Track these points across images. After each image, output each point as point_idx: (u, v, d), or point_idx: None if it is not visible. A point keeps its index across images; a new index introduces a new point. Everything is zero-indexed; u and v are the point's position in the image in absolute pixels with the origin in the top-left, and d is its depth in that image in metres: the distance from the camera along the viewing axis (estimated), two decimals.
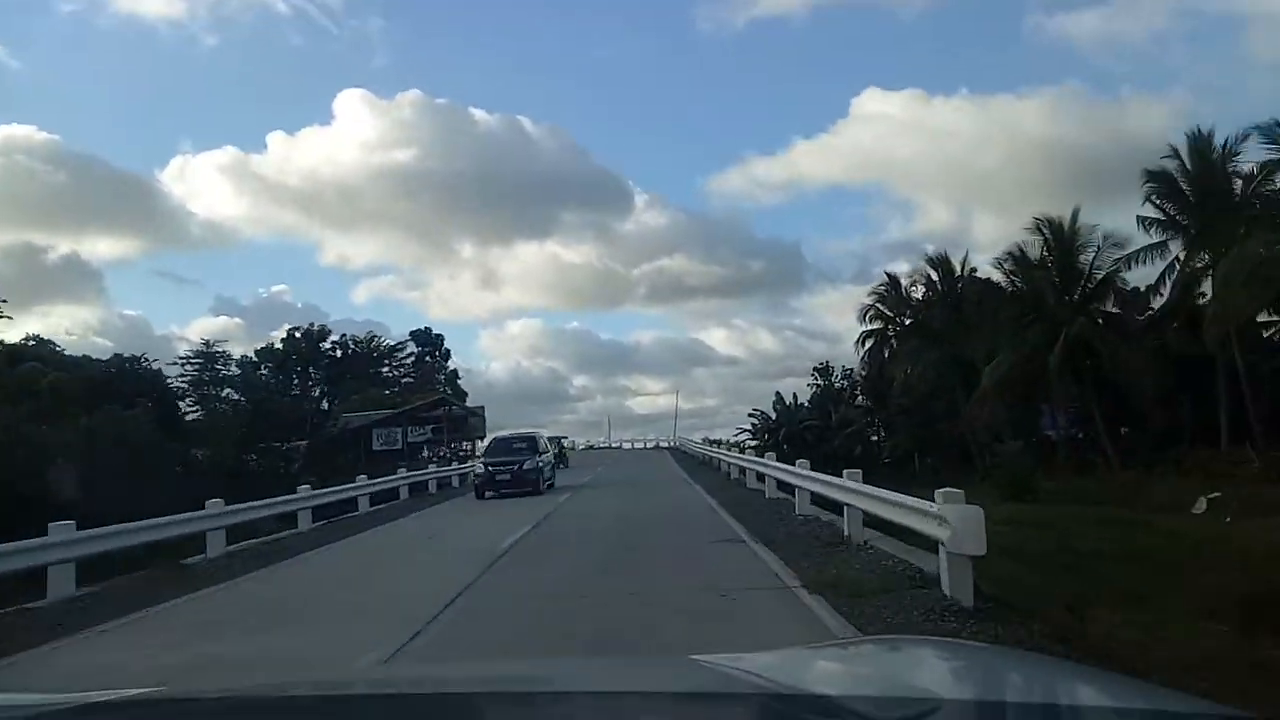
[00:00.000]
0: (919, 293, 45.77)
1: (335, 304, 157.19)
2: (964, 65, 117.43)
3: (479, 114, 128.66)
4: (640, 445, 72.48)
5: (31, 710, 1.72)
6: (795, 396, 59.41)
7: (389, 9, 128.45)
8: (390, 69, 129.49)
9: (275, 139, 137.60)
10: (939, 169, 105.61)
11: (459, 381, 53.70)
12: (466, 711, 1.71)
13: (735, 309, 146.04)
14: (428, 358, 50.66)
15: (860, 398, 54.39)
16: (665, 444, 67.09)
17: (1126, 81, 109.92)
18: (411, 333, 51.42)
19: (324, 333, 50.15)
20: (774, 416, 58.80)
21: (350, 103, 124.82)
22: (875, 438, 49.80)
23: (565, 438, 76.97)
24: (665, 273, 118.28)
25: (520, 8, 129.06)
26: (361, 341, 49.43)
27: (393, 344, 51.31)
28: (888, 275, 49.65)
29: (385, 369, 51.60)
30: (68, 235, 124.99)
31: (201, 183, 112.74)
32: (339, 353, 50.04)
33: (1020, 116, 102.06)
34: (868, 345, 50.06)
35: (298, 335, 50.06)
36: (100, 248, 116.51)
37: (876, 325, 49.36)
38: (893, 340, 48.25)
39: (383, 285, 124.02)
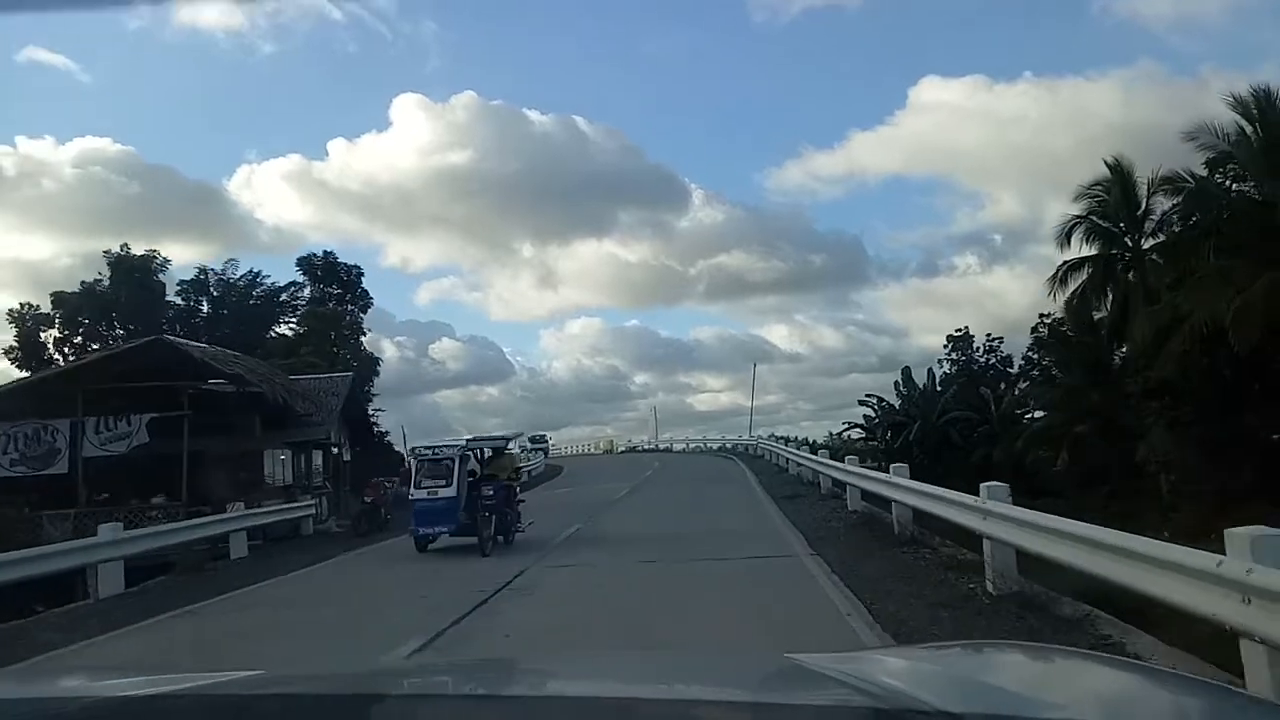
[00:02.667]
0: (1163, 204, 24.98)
1: (400, 306, 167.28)
2: (1025, 49, 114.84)
3: (533, 115, 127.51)
4: (696, 446, 52.04)
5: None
6: (932, 375, 38.48)
7: (440, 12, 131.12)
8: (444, 72, 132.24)
9: (336, 146, 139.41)
10: (1006, 157, 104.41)
11: (366, 338, 32.81)
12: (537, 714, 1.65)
13: (796, 304, 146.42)
14: (332, 301, 30.80)
15: (1051, 371, 33.48)
16: (731, 444, 46.52)
17: (1206, 59, 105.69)
18: (299, 261, 32.40)
19: (150, 265, 30.99)
20: (899, 406, 37.91)
21: (406, 107, 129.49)
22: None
23: (543, 435, 60.45)
24: (724, 269, 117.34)
25: (569, 6, 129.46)
26: (233, 283, 30.36)
27: (281, 285, 31.82)
28: (1109, 164, 28.61)
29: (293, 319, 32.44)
30: (142, 243, 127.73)
31: (267, 190, 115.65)
32: (203, 303, 30.84)
33: (1091, 99, 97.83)
34: (1073, 287, 29.13)
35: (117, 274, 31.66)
36: (173, 254, 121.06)
37: (1092, 249, 28.54)
38: (1126, 274, 27.19)
39: (445, 287, 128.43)
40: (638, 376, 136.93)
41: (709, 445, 49.98)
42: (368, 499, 19.50)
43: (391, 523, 18.37)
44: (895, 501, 12.84)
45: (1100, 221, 29.43)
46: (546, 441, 61.28)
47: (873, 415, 40.04)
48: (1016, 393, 37.82)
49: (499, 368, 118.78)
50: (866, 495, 15.14)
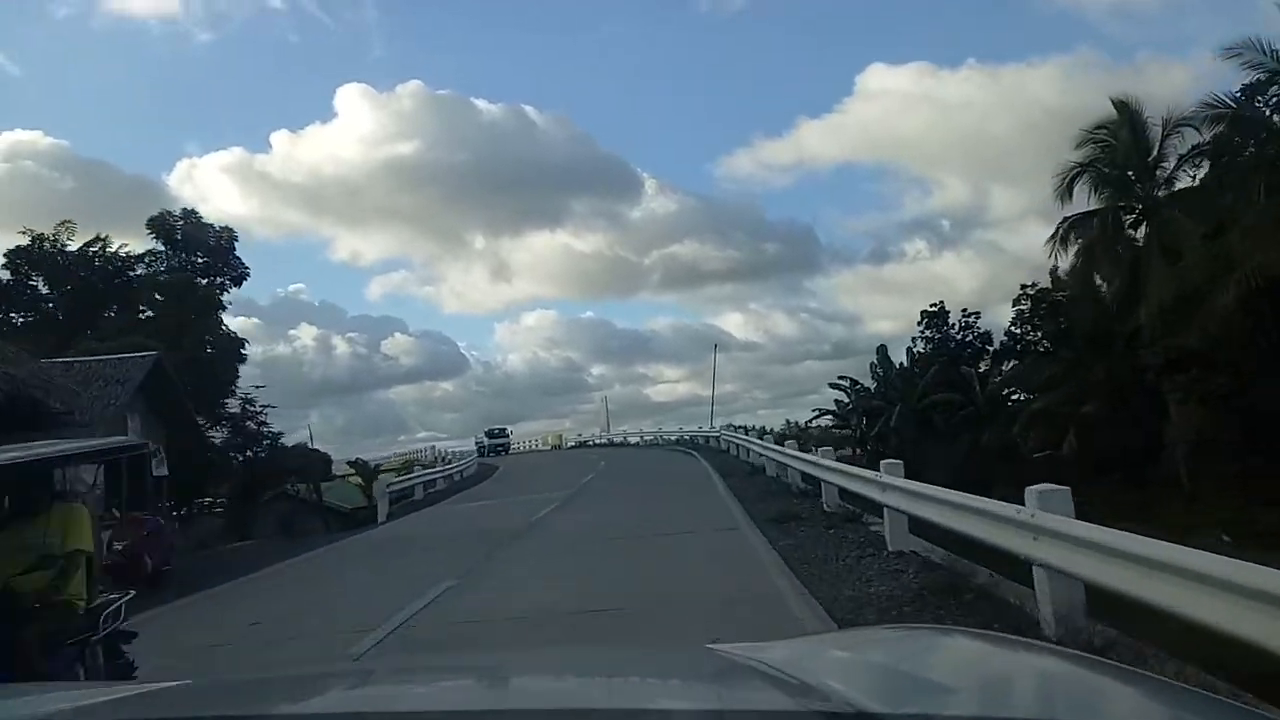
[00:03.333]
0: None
1: (351, 301, 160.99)
2: (969, 36, 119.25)
3: (482, 104, 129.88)
4: (652, 438, 47.60)
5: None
6: (912, 353, 34.49)
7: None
8: (388, 61, 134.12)
9: (279, 138, 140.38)
10: (952, 143, 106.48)
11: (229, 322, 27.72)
12: None
13: (751, 293, 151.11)
14: (195, 271, 24.42)
15: (1038, 346, 29.92)
16: (689, 435, 42.24)
17: (1143, 46, 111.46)
18: (151, 223, 25.07)
19: None
20: (874, 388, 33.98)
21: (351, 97, 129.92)
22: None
23: (504, 429, 56.35)
24: (678, 259, 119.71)
25: None
26: (72, 253, 23.96)
27: (138, 255, 25.49)
28: (1116, 103, 25.07)
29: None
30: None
31: (209, 184, 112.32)
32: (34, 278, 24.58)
33: (1033, 86, 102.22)
34: (1076, 246, 25.51)
35: None
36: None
37: (1099, 202, 25.00)
38: (1136, 230, 23.61)
39: (396, 281, 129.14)
40: (594, 368, 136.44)
41: (665, 438, 45.57)
42: (118, 545, 11.79)
43: (171, 578, 12.20)
44: (911, 515, 8.73)
45: (1107, 169, 25.63)
46: (507, 436, 56.49)
47: (845, 400, 36.06)
48: (1003, 371, 34.07)
49: (454, 362, 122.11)
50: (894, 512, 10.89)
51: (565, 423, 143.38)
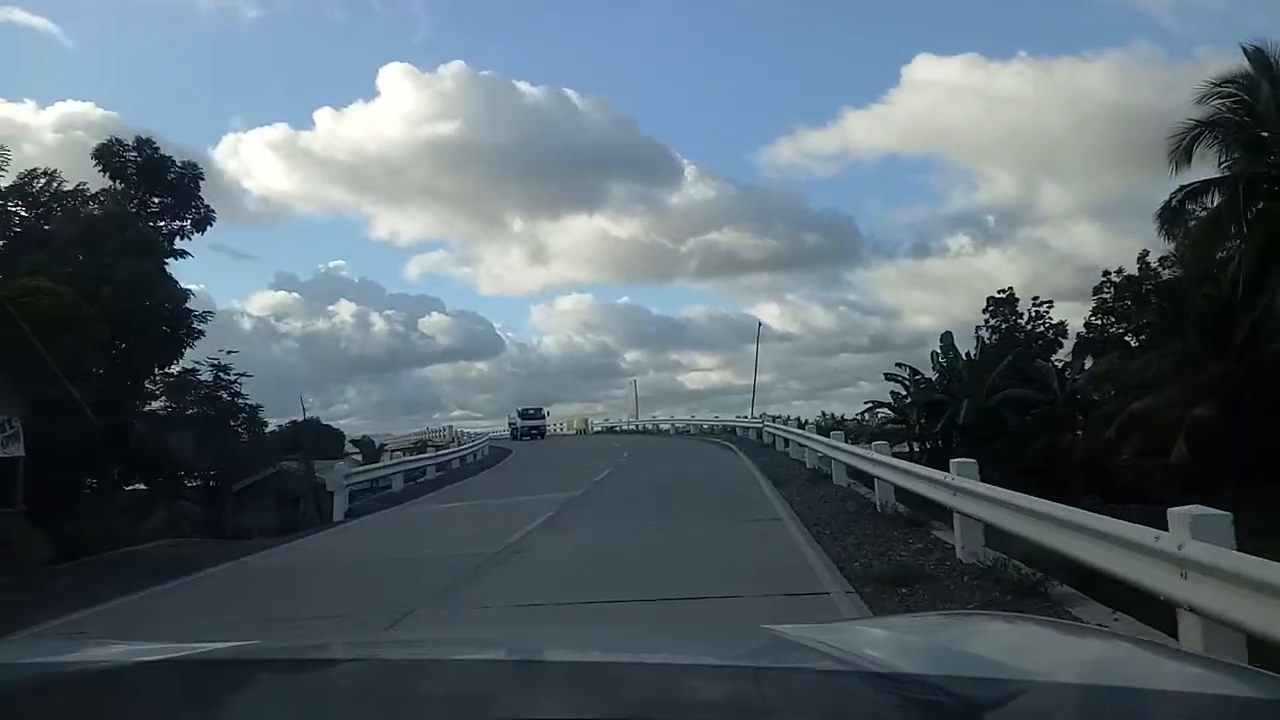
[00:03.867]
0: None
1: (390, 279, 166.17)
2: (1019, 28, 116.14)
3: (524, 86, 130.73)
4: (684, 426, 43.94)
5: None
6: (982, 342, 30.62)
7: None
8: (433, 41, 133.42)
9: (323, 115, 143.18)
10: (1001, 137, 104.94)
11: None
12: (523, 678, 1.62)
13: (788, 284, 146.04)
14: (154, 215, 19.88)
15: (1124, 337, 26.08)
16: (725, 426, 38.57)
17: (1201, 42, 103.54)
18: (98, 153, 21.44)
19: None
20: (935, 379, 30.19)
21: (394, 77, 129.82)
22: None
23: (539, 410, 50.91)
24: (716, 247, 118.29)
25: None
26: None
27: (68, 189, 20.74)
28: (1249, 51, 21.19)
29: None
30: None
31: (253, 159, 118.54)
32: None
33: (1086, 80, 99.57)
34: (1194, 218, 21.69)
35: None
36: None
37: (1224, 170, 21.15)
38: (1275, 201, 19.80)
39: (434, 260, 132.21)
40: (628, 354, 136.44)
41: (698, 426, 41.96)
42: None
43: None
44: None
45: (1238, 129, 21.55)
46: (543, 418, 51.12)
47: (903, 392, 32.18)
48: (1086, 366, 30.03)
49: (489, 343, 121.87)
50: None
51: (598, 407, 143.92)
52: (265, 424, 23.09)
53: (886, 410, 33.00)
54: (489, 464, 30.48)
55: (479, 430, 58.38)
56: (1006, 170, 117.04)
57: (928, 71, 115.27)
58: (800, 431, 21.45)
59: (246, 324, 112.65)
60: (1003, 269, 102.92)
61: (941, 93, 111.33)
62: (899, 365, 32.53)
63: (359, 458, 35.09)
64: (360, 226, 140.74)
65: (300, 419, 34.48)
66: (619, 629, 3.91)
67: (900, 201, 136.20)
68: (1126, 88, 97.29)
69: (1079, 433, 28.54)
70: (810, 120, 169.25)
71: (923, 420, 30.34)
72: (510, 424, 50.46)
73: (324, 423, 49.70)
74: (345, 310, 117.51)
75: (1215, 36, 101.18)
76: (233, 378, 21.11)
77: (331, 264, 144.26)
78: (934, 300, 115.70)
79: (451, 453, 30.99)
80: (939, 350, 32.67)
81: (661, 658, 1.74)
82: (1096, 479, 26.72)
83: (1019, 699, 1.27)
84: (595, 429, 55.09)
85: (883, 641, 1.81)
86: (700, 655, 1.82)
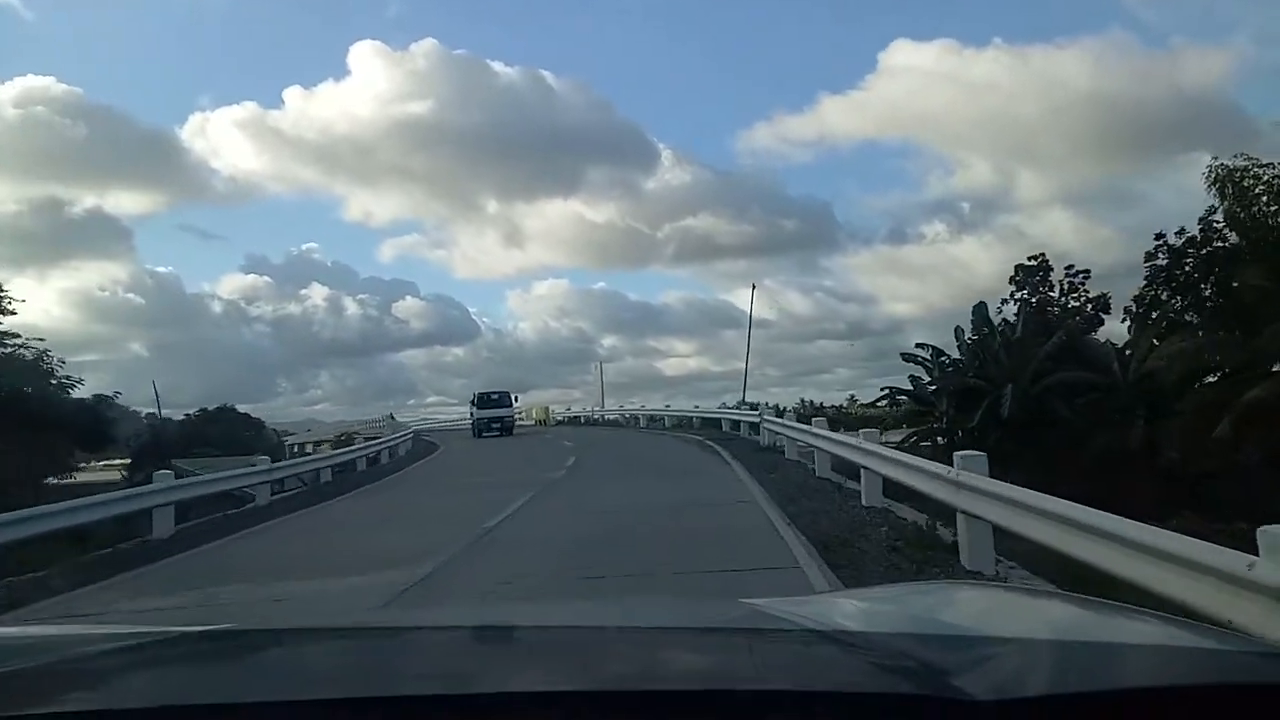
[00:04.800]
0: None
1: (363, 262, 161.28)
2: (995, 15, 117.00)
3: (498, 66, 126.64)
4: (653, 417, 37.52)
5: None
6: (1026, 312, 24.62)
7: None
8: (404, 18, 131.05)
9: (292, 94, 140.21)
10: (977, 123, 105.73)
11: None
12: (505, 643, 1.68)
13: (765, 270, 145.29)
14: None
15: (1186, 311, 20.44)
16: (701, 417, 32.26)
17: (1177, 31, 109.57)
18: None
19: None
20: (963, 359, 24.21)
21: (364, 55, 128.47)
22: None
23: (505, 395, 40.38)
24: (692, 232, 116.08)
25: None
26: None
27: None
28: None
29: None
30: (91, 189, 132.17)
31: (222, 138, 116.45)
32: None
33: (1062, 68, 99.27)
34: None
35: None
36: (124, 203, 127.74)
37: None
38: None
39: (408, 243, 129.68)
40: (605, 339, 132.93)
41: (675, 418, 35.41)
42: None
43: None
44: None
45: None
46: (509, 405, 40.43)
47: (924, 377, 26.23)
48: (1155, 343, 24.14)
49: (464, 328, 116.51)
50: None
51: (575, 393, 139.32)
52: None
53: (903, 397, 26.95)
54: (391, 470, 24.15)
55: (441, 418, 52.90)
56: (982, 157, 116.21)
57: (905, 57, 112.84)
58: (835, 435, 14.85)
59: (217, 307, 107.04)
60: (978, 256, 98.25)
61: (918, 79, 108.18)
62: (919, 345, 26.55)
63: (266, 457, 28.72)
64: (332, 208, 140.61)
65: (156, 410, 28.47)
66: (598, 602, 4.38)
67: (877, 187, 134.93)
68: (1102, 76, 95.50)
69: (1147, 425, 22.82)
70: (788, 106, 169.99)
71: (951, 410, 24.44)
72: (472, 417, 40.13)
73: (240, 411, 43.33)
74: (318, 294, 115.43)
75: (1190, 26, 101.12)
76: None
77: (304, 246, 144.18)
78: (911, 287, 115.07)
79: (321, 459, 24.61)
80: (969, 325, 26.76)
81: (639, 624, 1.82)
82: (1176, 488, 21.18)
83: (992, 658, 1.30)
84: (556, 419, 48.77)
85: (856, 611, 1.86)
86: (677, 624, 1.87)
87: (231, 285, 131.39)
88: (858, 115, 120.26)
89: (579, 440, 29.21)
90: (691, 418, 33.08)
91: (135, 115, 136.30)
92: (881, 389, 27.68)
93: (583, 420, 46.50)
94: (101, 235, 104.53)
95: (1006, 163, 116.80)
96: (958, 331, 26.97)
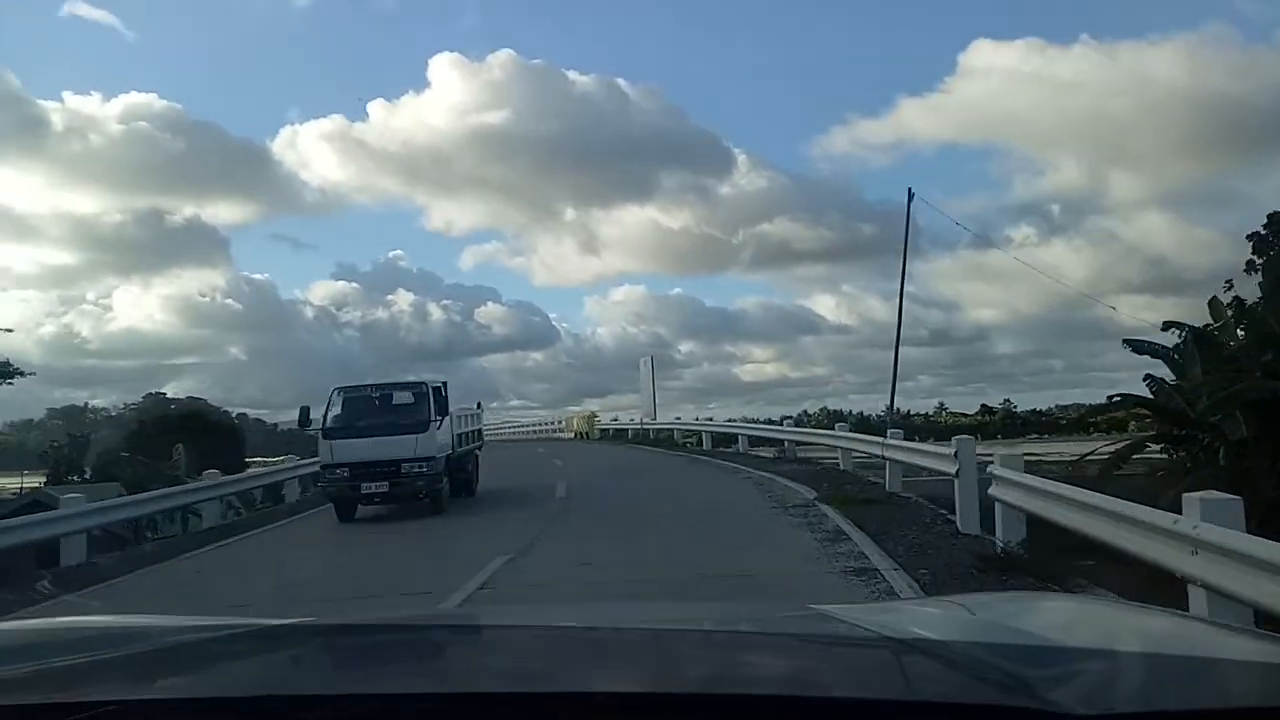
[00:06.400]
0: None
1: (446, 269, 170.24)
2: (1081, 11, 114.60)
3: (573, 75, 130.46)
4: (722, 433, 27.46)
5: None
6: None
7: None
8: (481, 29, 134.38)
9: (375, 106, 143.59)
10: (1065, 124, 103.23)
11: None
12: (582, 644, 1.69)
13: (844, 275, 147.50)
14: None
15: None
16: (788, 436, 22.36)
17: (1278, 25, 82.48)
18: None
19: None
20: (1239, 350, 14.28)
21: (443, 67, 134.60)
22: None
23: (474, 408, 29.00)
24: (769, 237, 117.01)
25: None
26: None
27: None
28: None
29: None
30: (190, 200, 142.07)
31: (310, 151, 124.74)
32: None
33: (1155, 64, 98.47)
34: None
35: None
36: (221, 213, 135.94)
37: None
38: None
39: (488, 251, 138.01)
40: (682, 345, 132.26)
41: (750, 432, 25.27)
42: None
43: None
44: None
45: None
46: (435, 419, 24.08)
47: (1172, 377, 16.85)
48: None
49: (544, 333, 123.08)
50: None
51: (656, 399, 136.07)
52: None
53: (1140, 414, 17.47)
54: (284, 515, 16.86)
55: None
56: (1071, 158, 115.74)
57: (986, 57, 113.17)
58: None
59: (309, 313, 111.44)
60: (1068, 260, 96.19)
61: (1000, 79, 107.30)
62: (1167, 325, 17.03)
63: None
64: (415, 217, 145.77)
65: None
66: (673, 605, 4.21)
67: (960, 191, 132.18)
68: (1199, 72, 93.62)
69: None
70: (864, 109, 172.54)
71: (1241, 425, 15.11)
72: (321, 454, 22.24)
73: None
74: (403, 300, 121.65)
75: None
76: None
77: (390, 254, 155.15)
78: (996, 293, 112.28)
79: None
80: (1226, 300, 17.29)
81: (716, 628, 1.82)
82: None
83: (1080, 671, 1.27)
84: (599, 431, 39.67)
85: (930, 620, 1.80)
86: (752, 629, 1.85)
87: (322, 292, 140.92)
88: (937, 118, 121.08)
89: (583, 473, 20.03)
90: (783, 440, 22.42)
91: (230, 129, 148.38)
92: (1109, 397, 18.03)
93: (630, 435, 37.34)
94: (200, 244, 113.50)
95: (1097, 163, 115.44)
96: (1210, 304, 17.40)
